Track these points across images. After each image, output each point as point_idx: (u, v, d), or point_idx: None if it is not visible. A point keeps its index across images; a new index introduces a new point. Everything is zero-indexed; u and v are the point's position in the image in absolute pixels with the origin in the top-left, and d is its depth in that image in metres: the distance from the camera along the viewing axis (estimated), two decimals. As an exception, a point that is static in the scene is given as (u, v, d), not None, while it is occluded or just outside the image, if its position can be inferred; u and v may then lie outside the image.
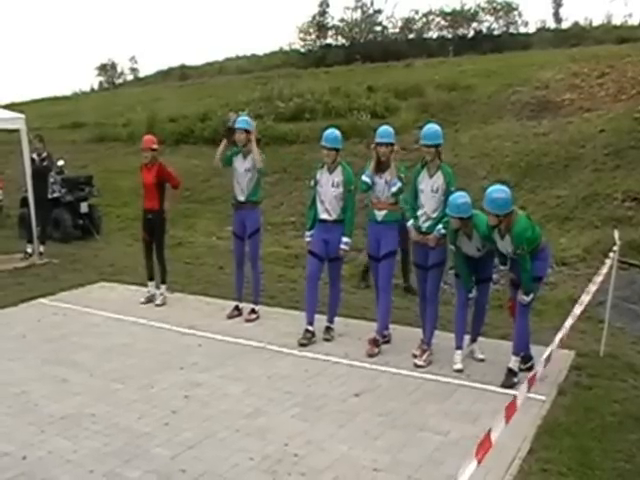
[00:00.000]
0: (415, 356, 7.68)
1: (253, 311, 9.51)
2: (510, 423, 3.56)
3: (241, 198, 9.34)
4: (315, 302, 8.57)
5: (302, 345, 8.32)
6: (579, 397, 6.63)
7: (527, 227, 6.74)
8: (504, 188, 6.79)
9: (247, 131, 9.18)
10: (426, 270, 7.75)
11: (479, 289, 7.62)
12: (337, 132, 8.35)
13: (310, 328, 8.48)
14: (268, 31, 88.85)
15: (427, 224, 7.63)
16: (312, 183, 8.58)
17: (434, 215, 7.59)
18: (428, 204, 7.61)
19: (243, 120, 9.29)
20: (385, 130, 7.99)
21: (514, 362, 7.03)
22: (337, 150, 8.28)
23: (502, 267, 7.44)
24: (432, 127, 7.65)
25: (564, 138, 16.25)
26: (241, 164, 9.28)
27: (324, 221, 8.35)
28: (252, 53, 45.56)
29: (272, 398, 6.78)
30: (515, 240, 6.66)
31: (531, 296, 6.83)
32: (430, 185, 7.57)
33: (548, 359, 4.38)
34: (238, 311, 9.60)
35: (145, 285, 10.60)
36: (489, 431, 3.30)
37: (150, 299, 10.34)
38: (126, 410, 6.54)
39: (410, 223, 7.78)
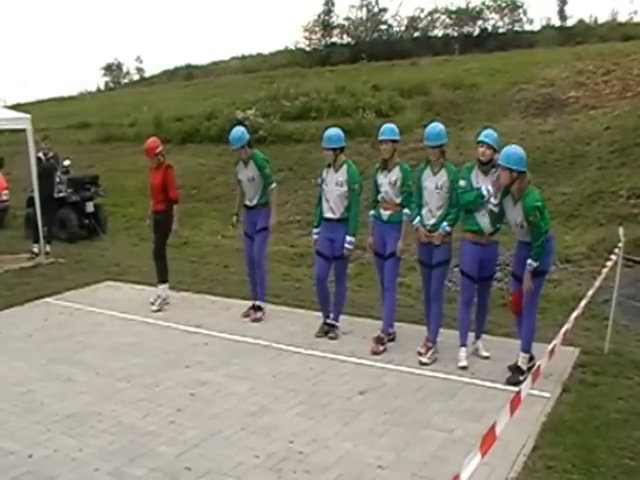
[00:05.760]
0: (420, 354, 7.69)
1: (259, 308, 9.54)
2: (515, 420, 3.56)
3: (250, 203, 9.42)
4: (327, 300, 8.69)
5: (319, 337, 8.54)
6: (584, 394, 6.63)
7: (540, 200, 6.81)
8: (520, 149, 6.88)
9: (243, 146, 9.18)
10: (430, 268, 7.76)
11: (482, 287, 7.64)
12: (335, 131, 8.31)
13: (328, 321, 8.66)
14: (273, 30, 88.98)
15: (431, 221, 7.62)
16: (319, 181, 8.62)
17: (438, 213, 7.59)
18: (432, 202, 7.60)
19: (238, 138, 9.16)
20: (386, 127, 8.00)
21: (522, 359, 7.05)
22: (335, 150, 8.26)
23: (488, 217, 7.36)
24: (435, 128, 7.60)
25: (569, 136, 16.23)
26: (244, 173, 9.31)
27: (329, 219, 8.38)
28: (258, 52, 45.71)
29: (277, 396, 6.80)
30: (526, 209, 6.71)
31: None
32: (434, 182, 7.56)
33: (552, 352, 4.37)
34: (254, 310, 9.58)
35: (152, 285, 10.60)
36: (493, 425, 3.30)
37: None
38: (131, 409, 6.57)
39: (416, 222, 7.78)
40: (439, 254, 7.64)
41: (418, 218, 7.74)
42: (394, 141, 7.94)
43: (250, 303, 9.64)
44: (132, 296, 10.88)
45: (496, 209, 7.10)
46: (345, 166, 8.29)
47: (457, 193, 7.43)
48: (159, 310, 9.93)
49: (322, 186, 8.47)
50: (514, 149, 6.84)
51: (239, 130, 9.32)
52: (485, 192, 7.19)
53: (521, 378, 6.79)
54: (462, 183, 7.36)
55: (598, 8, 73.15)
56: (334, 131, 8.32)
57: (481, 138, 7.26)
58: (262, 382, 7.20)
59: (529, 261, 6.79)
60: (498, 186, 7.00)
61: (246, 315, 9.53)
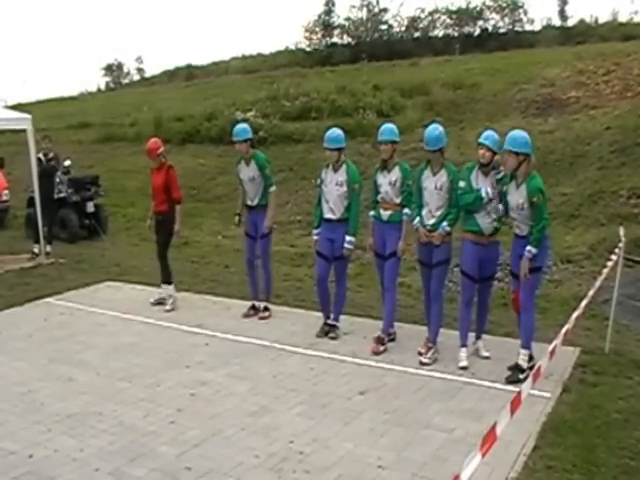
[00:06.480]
0: (420, 354, 7.68)
1: (266, 309, 9.57)
2: (515, 420, 3.56)
3: (251, 203, 9.42)
4: (328, 300, 8.69)
5: (319, 337, 8.53)
6: (584, 394, 6.62)
7: (542, 186, 6.85)
8: (523, 132, 6.98)
9: (245, 140, 9.19)
10: (430, 268, 7.75)
11: (482, 287, 7.64)
12: (338, 132, 8.31)
13: (328, 321, 8.66)
14: (274, 30, 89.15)
15: (431, 222, 7.62)
16: (318, 182, 8.61)
17: (438, 213, 7.59)
18: (432, 202, 7.60)
19: (241, 130, 9.23)
20: (385, 128, 7.98)
21: (523, 356, 7.06)
22: (339, 150, 8.26)
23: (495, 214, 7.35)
24: (433, 131, 7.55)
25: (570, 136, 16.24)
26: (245, 173, 9.31)
27: (329, 220, 8.37)
28: (258, 52, 45.83)
29: (277, 396, 6.80)
30: (531, 191, 6.75)
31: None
32: (434, 183, 7.56)
33: (552, 352, 4.37)
34: (254, 310, 9.59)
35: (152, 285, 10.60)
36: (494, 425, 3.30)
37: (160, 301, 10.20)
38: (132, 409, 6.56)
39: (416, 222, 7.77)
40: (439, 254, 7.63)
41: (418, 218, 7.74)
42: (393, 142, 7.93)
43: (250, 303, 9.65)
44: (133, 296, 10.88)
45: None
46: (344, 166, 8.29)
47: (457, 193, 7.43)
48: (172, 309, 9.95)
49: (322, 187, 8.47)
50: (519, 133, 6.90)
51: (242, 125, 9.46)
52: (484, 194, 7.20)
53: (521, 377, 6.81)
54: (462, 184, 7.36)
55: (599, 8, 73.34)
56: (336, 132, 8.31)
57: (481, 140, 7.25)
58: (262, 382, 7.20)
59: (528, 247, 6.81)
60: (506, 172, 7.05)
61: (247, 315, 9.53)
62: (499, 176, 7.22)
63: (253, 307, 9.62)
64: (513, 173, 6.93)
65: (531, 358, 7.09)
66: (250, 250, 9.56)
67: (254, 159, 9.25)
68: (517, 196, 6.90)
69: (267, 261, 9.54)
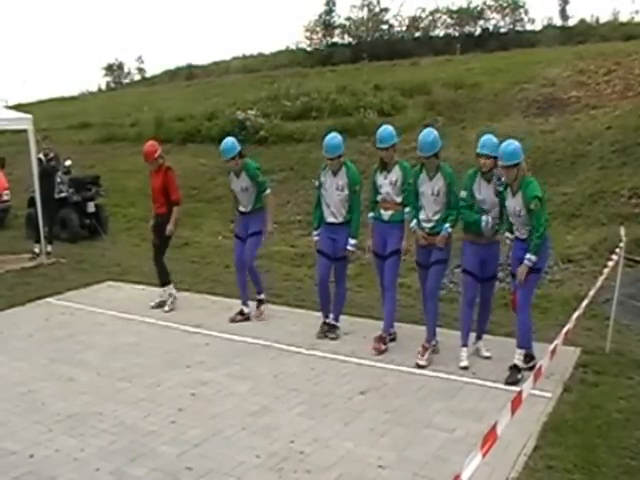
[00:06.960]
0: (418, 354, 7.65)
1: (260, 302, 9.51)
2: (516, 420, 3.55)
3: (245, 210, 9.32)
4: (328, 300, 8.64)
5: (320, 338, 8.48)
6: (585, 394, 6.62)
7: (540, 191, 6.82)
8: (512, 140, 6.91)
9: (234, 157, 9.03)
10: (428, 269, 7.74)
11: (484, 287, 7.62)
12: (336, 139, 8.14)
13: (328, 321, 8.62)
14: (275, 30, 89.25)
15: (429, 225, 7.61)
16: (317, 184, 8.56)
17: (435, 217, 7.57)
18: (429, 207, 7.59)
19: (229, 148, 9.03)
20: (381, 134, 7.86)
21: (518, 355, 7.05)
22: (340, 156, 8.19)
23: (508, 234, 7.33)
24: (427, 137, 7.46)
25: (571, 135, 16.22)
26: (237, 184, 9.21)
27: (331, 224, 8.33)
28: (259, 52, 45.90)
29: (278, 396, 6.80)
30: (528, 197, 6.72)
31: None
32: (430, 188, 7.52)
33: (553, 352, 4.37)
34: (242, 315, 9.43)
35: (153, 285, 10.59)
36: (494, 424, 3.30)
37: (161, 304, 10.12)
38: (132, 408, 6.56)
39: (413, 224, 7.75)
40: (437, 253, 7.60)
41: (415, 221, 7.72)
42: (392, 145, 7.89)
43: (238, 308, 9.49)
44: (133, 296, 10.88)
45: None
46: (344, 168, 8.21)
47: (456, 197, 7.41)
48: (171, 310, 9.92)
49: (321, 190, 8.40)
50: (509, 146, 6.81)
51: (229, 141, 9.15)
52: (484, 223, 7.20)
53: (519, 376, 6.82)
54: (463, 194, 7.34)
55: (600, 8, 73.12)
56: (335, 139, 8.14)
57: (478, 150, 7.21)
58: (263, 382, 7.20)
59: (528, 255, 6.77)
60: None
61: (233, 320, 9.36)
62: (500, 188, 7.18)
63: (241, 313, 9.45)
64: (507, 181, 6.93)
65: (532, 358, 7.09)
66: (239, 252, 9.41)
67: (244, 170, 9.10)
68: (514, 203, 6.89)
69: (251, 261, 9.33)
